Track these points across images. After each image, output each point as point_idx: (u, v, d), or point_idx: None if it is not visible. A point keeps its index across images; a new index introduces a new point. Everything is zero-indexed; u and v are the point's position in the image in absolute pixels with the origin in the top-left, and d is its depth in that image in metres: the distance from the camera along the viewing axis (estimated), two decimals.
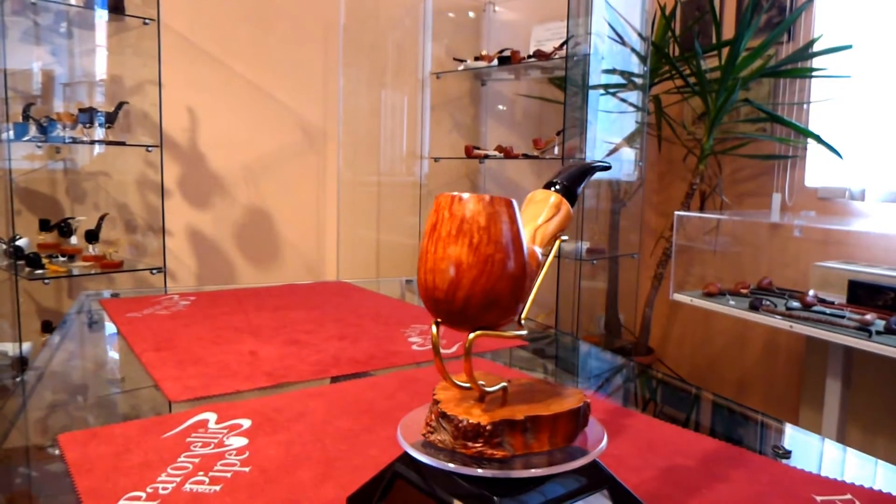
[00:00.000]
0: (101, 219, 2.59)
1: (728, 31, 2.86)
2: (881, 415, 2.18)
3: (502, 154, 3.13)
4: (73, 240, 2.58)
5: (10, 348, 2.41)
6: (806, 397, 2.38)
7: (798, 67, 2.66)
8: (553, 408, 0.58)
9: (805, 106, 2.69)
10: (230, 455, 0.75)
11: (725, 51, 2.65)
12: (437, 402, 0.60)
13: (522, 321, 0.60)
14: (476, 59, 3.27)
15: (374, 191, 3.42)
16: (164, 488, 0.67)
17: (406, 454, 0.58)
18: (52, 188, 2.66)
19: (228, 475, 0.71)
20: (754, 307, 2.10)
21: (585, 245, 2.90)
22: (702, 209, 3.03)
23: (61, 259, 2.50)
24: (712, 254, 3.00)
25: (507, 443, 0.55)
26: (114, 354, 1.24)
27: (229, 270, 3.11)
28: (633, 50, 2.90)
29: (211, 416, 0.87)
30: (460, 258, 0.53)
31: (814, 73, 2.60)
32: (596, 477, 0.60)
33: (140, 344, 1.20)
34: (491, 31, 3.50)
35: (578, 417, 0.59)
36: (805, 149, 2.68)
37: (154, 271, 2.64)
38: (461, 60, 3.29)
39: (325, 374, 1.07)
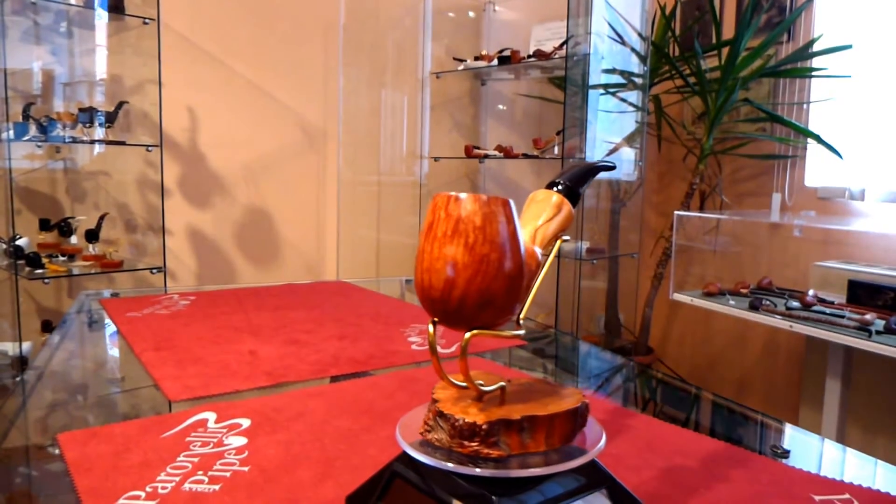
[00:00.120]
0: (101, 218, 2.59)
1: (728, 31, 2.86)
2: (881, 415, 2.18)
3: (502, 154, 3.13)
4: (73, 239, 2.58)
5: (10, 348, 2.41)
6: (806, 397, 2.39)
7: (798, 67, 2.66)
8: (550, 408, 0.58)
9: (805, 106, 2.69)
10: (229, 454, 0.75)
11: (725, 51, 2.65)
12: (435, 401, 0.60)
13: (521, 321, 0.60)
14: (476, 58, 3.27)
15: (374, 190, 3.42)
16: (163, 488, 0.67)
17: (405, 454, 0.58)
18: (52, 188, 2.66)
19: (228, 474, 0.71)
20: (754, 307, 2.10)
21: (585, 245, 2.90)
22: (702, 209, 3.03)
23: (61, 259, 2.50)
24: (712, 253, 3.00)
25: (504, 442, 0.55)
26: (113, 354, 1.24)
27: (229, 270, 3.11)
28: (633, 50, 2.90)
29: (210, 416, 0.87)
30: (456, 258, 0.54)
31: (814, 73, 2.60)
32: (595, 476, 0.60)
33: (140, 343, 1.20)
34: (491, 31, 3.50)
35: (576, 417, 0.59)
36: (805, 149, 2.68)
37: (154, 271, 2.64)
38: (461, 60, 3.29)
39: (325, 374, 1.07)
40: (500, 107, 3.56)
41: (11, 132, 2.36)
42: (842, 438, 2.09)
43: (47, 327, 2.56)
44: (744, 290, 2.30)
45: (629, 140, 2.97)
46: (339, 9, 3.17)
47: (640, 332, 3.05)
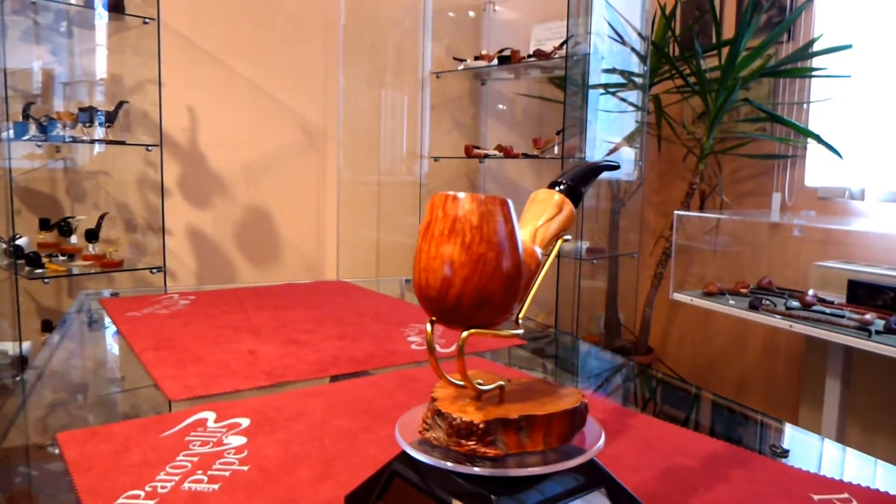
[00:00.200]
0: (101, 218, 2.59)
1: (728, 31, 2.86)
2: (881, 414, 2.18)
3: (502, 153, 3.13)
4: (73, 239, 2.58)
5: (10, 347, 2.41)
6: (805, 397, 2.39)
7: (798, 67, 2.66)
8: (548, 407, 0.58)
9: (805, 106, 2.69)
10: (229, 454, 0.76)
11: (725, 50, 2.65)
12: (434, 399, 0.60)
13: (520, 320, 0.60)
14: (476, 58, 3.27)
15: (374, 190, 3.42)
16: (162, 487, 0.67)
17: (404, 453, 0.58)
18: (51, 187, 2.66)
19: (227, 474, 0.71)
20: (754, 307, 2.10)
21: (585, 244, 2.90)
22: (701, 209, 3.03)
23: (61, 258, 2.50)
24: (712, 253, 3.00)
25: (501, 441, 0.55)
26: (113, 353, 1.24)
27: (229, 270, 3.11)
28: (633, 49, 2.90)
29: (210, 415, 0.87)
30: (452, 257, 0.54)
31: (814, 73, 2.60)
32: (593, 476, 0.60)
33: (140, 343, 1.20)
34: (491, 31, 3.50)
35: (574, 417, 0.59)
36: (805, 148, 2.68)
37: (154, 271, 2.64)
38: (461, 60, 3.29)
39: (325, 374, 1.07)
40: (500, 106, 3.56)
41: (11, 132, 2.36)
42: (842, 438, 2.09)
43: (47, 327, 2.57)
44: (744, 290, 2.30)
45: (629, 140, 2.97)
46: (339, 9, 3.17)
47: (640, 331, 3.05)
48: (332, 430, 0.83)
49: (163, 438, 0.79)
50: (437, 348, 1.21)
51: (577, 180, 0.69)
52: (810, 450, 0.90)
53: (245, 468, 0.72)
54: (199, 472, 0.71)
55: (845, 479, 0.73)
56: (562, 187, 0.68)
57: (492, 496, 0.53)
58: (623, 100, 2.91)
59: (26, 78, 2.56)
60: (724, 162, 2.97)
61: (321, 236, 3.35)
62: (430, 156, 3.39)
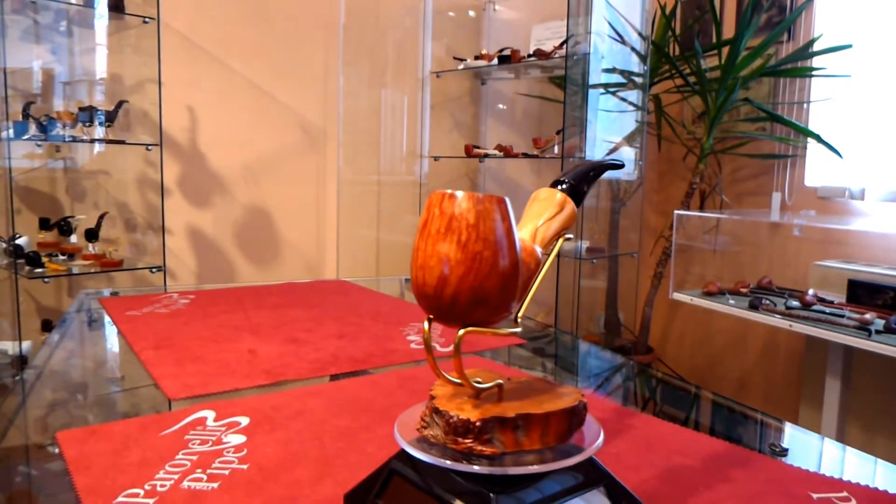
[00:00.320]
0: (101, 217, 2.59)
1: (728, 31, 2.86)
2: (880, 414, 2.18)
3: (502, 153, 3.13)
4: (73, 238, 2.58)
5: (10, 347, 2.42)
6: (805, 396, 2.38)
7: (798, 67, 2.66)
8: (546, 406, 0.58)
9: (805, 105, 2.69)
10: (228, 452, 0.76)
11: (725, 50, 2.65)
12: (433, 397, 0.60)
13: (519, 319, 0.60)
14: (476, 58, 3.27)
15: (374, 190, 3.42)
16: (161, 486, 0.67)
17: (403, 451, 0.58)
18: (51, 187, 2.66)
19: (226, 473, 0.71)
20: (754, 306, 2.10)
21: (585, 244, 2.90)
22: (701, 208, 3.03)
23: (61, 258, 2.50)
24: (712, 253, 3.00)
25: (497, 440, 0.55)
26: (113, 353, 1.24)
27: (229, 269, 3.11)
28: (633, 49, 2.90)
29: (209, 414, 0.87)
30: (449, 255, 0.54)
31: (814, 73, 2.60)
32: (592, 474, 0.60)
33: (139, 342, 1.20)
34: (491, 30, 3.50)
35: (572, 416, 0.59)
36: (805, 148, 2.68)
37: (154, 270, 2.65)
38: (461, 59, 3.29)
39: (324, 373, 1.07)
40: (500, 106, 3.56)
41: (11, 131, 2.36)
42: (842, 437, 2.09)
43: (47, 326, 2.57)
44: (744, 290, 2.30)
45: (629, 139, 2.97)
46: (339, 9, 3.17)
47: (640, 331, 3.05)
48: (332, 429, 0.83)
49: (162, 437, 0.79)
50: (437, 347, 1.21)
51: (580, 179, 0.68)
52: (810, 449, 0.90)
53: (244, 467, 0.72)
54: (199, 470, 0.71)
55: (845, 478, 0.73)
56: (564, 186, 0.68)
57: (490, 494, 0.53)
58: (623, 99, 2.91)
59: (26, 77, 2.56)
60: (724, 162, 2.97)
61: (321, 236, 3.35)
62: (430, 155, 3.39)
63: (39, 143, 2.50)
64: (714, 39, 2.76)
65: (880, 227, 2.41)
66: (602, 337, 3.20)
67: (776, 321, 2.01)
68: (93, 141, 2.58)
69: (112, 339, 1.31)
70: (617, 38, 2.84)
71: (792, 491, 0.70)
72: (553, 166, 2.96)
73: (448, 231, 0.54)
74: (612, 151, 2.90)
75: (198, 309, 1.48)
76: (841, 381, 2.05)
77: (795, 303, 2.07)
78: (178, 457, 0.74)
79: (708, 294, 2.30)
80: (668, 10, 2.97)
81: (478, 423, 0.55)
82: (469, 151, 3.26)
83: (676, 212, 2.62)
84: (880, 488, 0.71)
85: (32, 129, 2.41)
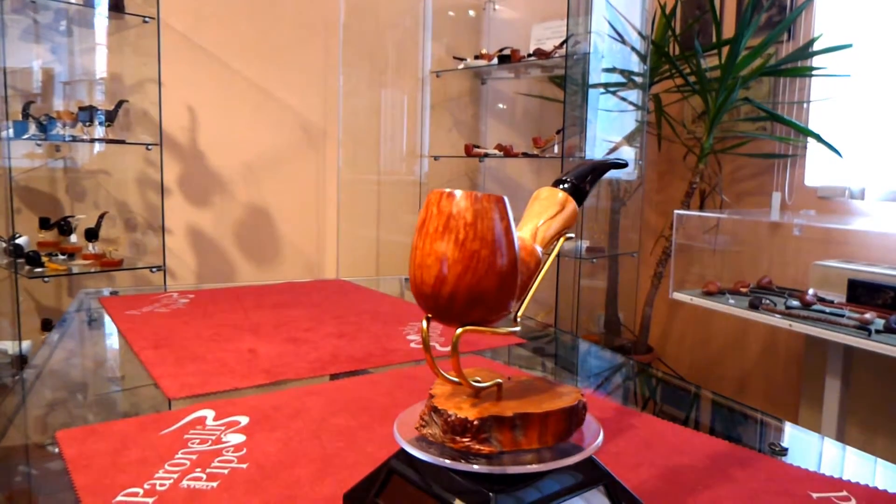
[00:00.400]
0: (101, 217, 2.59)
1: (728, 30, 2.86)
2: (880, 414, 2.18)
3: (502, 153, 3.13)
4: (73, 238, 2.58)
5: (10, 346, 2.42)
6: (805, 396, 2.38)
7: (798, 66, 2.66)
8: (545, 406, 0.58)
9: (805, 105, 2.69)
10: (228, 452, 0.76)
11: (725, 49, 2.65)
12: (432, 396, 0.60)
13: (519, 318, 0.60)
14: (476, 57, 3.27)
15: (373, 189, 3.42)
16: (161, 485, 0.67)
17: (402, 450, 0.58)
18: (51, 186, 2.66)
19: (226, 472, 0.71)
20: (754, 306, 2.10)
21: (585, 244, 2.90)
22: (701, 208, 3.03)
23: (61, 257, 2.50)
24: (712, 253, 3.00)
25: (495, 439, 0.55)
26: (113, 352, 1.24)
27: (229, 268, 3.11)
28: (633, 49, 2.90)
29: (209, 413, 0.87)
30: (446, 254, 0.54)
31: (814, 72, 2.60)
32: (592, 473, 0.60)
33: (139, 342, 1.20)
34: (491, 30, 3.50)
35: (571, 416, 0.59)
36: (805, 148, 2.68)
37: (154, 269, 2.65)
38: (461, 59, 3.29)
39: (324, 372, 1.07)
40: (500, 106, 3.56)
41: (11, 131, 2.36)
42: (841, 437, 2.09)
43: (47, 326, 2.57)
44: (743, 290, 2.30)
45: (629, 139, 2.97)
46: (339, 9, 3.17)
47: (640, 330, 3.05)
48: (331, 428, 0.83)
49: (162, 436, 0.79)
50: (437, 346, 1.21)
51: (582, 178, 0.68)
52: (809, 448, 0.90)
53: (244, 466, 0.72)
54: (198, 469, 0.71)
55: (844, 478, 0.73)
56: (566, 185, 0.67)
57: (490, 493, 0.53)
58: (623, 99, 2.91)
59: (26, 77, 2.56)
60: (724, 161, 2.97)
61: (321, 235, 3.35)
62: (430, 155, 3.39)
63: (39, 142, 2.50)
64: (714, 39, 2.76)
65: (880, 227, 2.41)
66: (602, 336, 3.20)
67: (776, 321, 2.01)
68: (93, 140, 2.58)
69: (112, 338, 1.31)
70: (617, 37, 2.83)
71: (792, 490, 0.70)
72: (553, 166, 2.96)
73: (446, 230, 0.54)
74: (612, 151, 2.90)
75: (197, 308, 1.48)
76: (841, 380, 2.05)
77: (795, 302, 2.07)
78: (177, 456, 0.74)
79: (708, 294, 2.30)
80: (668, 10, 2.97)
81: (475, 422, 0.55)
82: (469, 151, 3.26)
83: (676, 211, 2.62)
84: (880, 488, 0.71)
85: (32, 128, 2.41)
